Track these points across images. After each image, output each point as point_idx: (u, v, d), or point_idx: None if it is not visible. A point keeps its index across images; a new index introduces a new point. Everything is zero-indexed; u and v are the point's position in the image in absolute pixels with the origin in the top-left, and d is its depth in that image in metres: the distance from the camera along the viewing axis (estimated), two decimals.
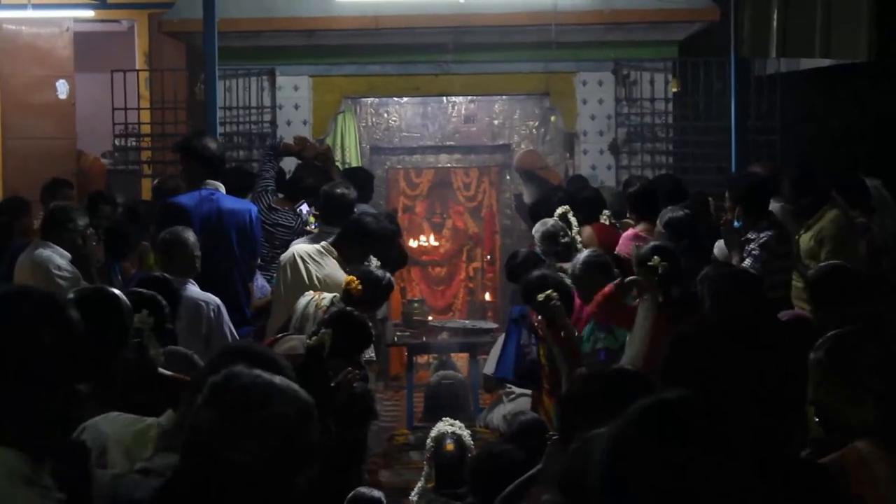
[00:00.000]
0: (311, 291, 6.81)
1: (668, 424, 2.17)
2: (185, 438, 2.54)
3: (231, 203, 7.86)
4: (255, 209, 8.01)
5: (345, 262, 7.26)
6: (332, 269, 7.24)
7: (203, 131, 9.09)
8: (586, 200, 9.10)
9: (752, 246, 7.48)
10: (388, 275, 7.03)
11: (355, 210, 8.05)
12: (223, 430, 2.48)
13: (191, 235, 7.06)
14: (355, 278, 6.75)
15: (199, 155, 7.90)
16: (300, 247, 7.51)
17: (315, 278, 7.17)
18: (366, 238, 7.36)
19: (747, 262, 7.44)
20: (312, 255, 7.32)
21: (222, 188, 7.86)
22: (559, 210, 8.60)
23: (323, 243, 7.43)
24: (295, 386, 2.60)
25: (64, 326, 2.58)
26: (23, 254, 7.50)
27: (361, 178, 9.41)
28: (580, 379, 5.17)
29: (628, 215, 8.69)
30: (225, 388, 2.53)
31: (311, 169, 9.09)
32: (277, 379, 2.57)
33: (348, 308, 6.20)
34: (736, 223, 7.70)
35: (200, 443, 2.50)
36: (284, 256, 7.50)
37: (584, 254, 7.26)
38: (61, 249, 7.29)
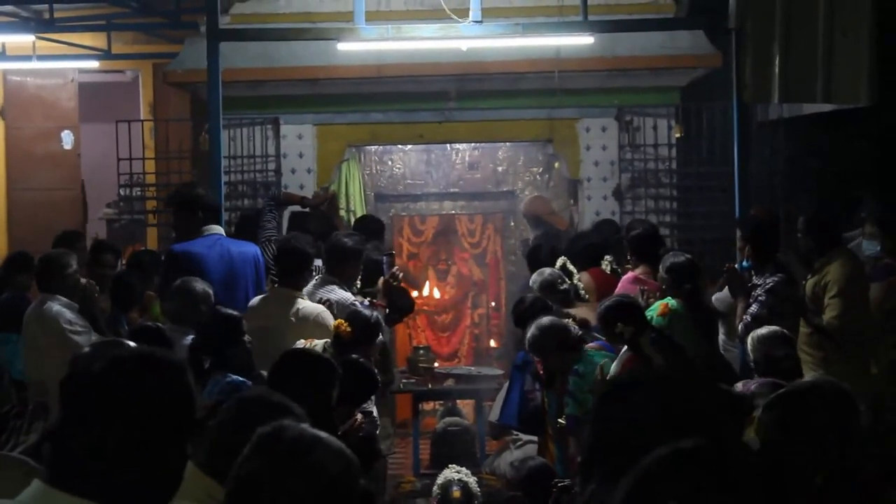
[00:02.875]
0: (303, 339, 6.79)
1: (688, 466, 2.19)
2: (230, 489, 2.60)
3: (237, 245, 7.99)
4: (258, 249, 8.13)
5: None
6: (303, 305, 7.33)
7: (193, 183, 9.16)
8: (585, 248, 9.13)
9: (758, 291, 7.46)
10: (375, 313, 7.00)
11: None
12: (272, 476, 2.55)
13: (199, 284, 7.08)
14: (343, 321, 6.74)
15: (201, 203, 7.96)
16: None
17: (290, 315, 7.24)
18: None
19: (754, 308, 7.41)
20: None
21: (222, 231, 7.98)
22: (559, 262, 8.60)
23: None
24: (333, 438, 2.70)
25: (187, 392, 2.62)
26: (30, 308, 7.55)
27: (372, 227, 9.47)
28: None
29: (628, 258, 8.69)
30: (275, 439, 2.61)
31: (314, 216, 9.12)
32: (323, 433, 2.66)
33: (354, 356, 6.21)
34: (744, 263, 7.68)
35: (245, 491, 2.57)
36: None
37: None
38: (67, 300, 7.32)
